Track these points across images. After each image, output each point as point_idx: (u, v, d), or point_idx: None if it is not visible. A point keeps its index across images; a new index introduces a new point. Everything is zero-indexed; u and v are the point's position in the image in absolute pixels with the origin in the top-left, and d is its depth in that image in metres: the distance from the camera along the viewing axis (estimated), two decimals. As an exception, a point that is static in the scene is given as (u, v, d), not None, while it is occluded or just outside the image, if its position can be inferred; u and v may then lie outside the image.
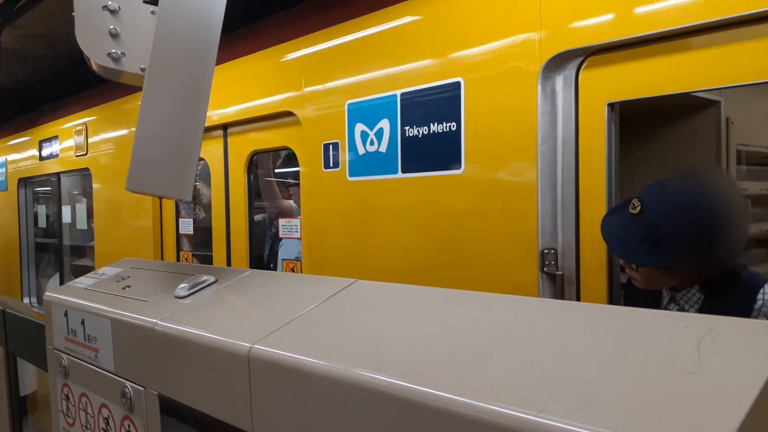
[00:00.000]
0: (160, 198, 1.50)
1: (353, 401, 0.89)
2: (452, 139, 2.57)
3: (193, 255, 4.43)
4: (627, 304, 2.02)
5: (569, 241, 2.30)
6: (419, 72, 2.69)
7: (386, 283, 1.26)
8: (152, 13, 1.61)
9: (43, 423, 4.24)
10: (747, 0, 1.85)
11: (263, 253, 4.19)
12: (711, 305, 1.71)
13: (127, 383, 1.39)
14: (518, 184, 2.37)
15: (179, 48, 1.52)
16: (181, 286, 1.44)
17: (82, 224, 6.05)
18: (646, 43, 2.10)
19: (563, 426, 0.67)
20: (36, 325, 2.21)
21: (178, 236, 4.43)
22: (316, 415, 0.95)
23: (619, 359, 0.78)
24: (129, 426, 1.41)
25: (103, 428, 1.52)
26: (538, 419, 0.69)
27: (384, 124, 2.81)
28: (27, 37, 5.79)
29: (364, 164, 2.91)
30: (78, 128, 5.61)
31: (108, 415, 1.49)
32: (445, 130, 2.59)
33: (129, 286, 1.61)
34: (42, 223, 7.06)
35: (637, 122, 2.86)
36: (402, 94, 2.75)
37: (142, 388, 1.35)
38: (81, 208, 6.07)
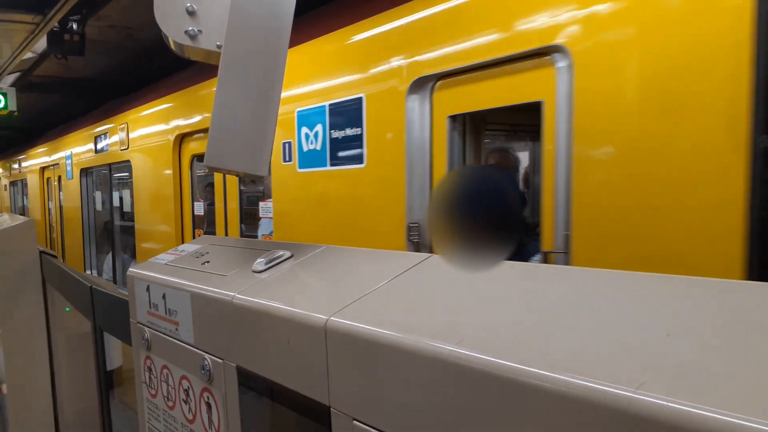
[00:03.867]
0: (237, 175, 1.53)
1: (433, 375, 0.86)
2: (359, 141, 3.34)
3: (204, 231, 5.51)
4: None
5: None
6: (338, 88, 3.51)
7: (464, 258, 1.22)
8: (227, -11, 1.62)
9: (128, 397, 4.45)
10: (521, 42, 2.49)
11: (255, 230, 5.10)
12: None
13: (206, 355, 1.42)
14: (394, 174, 3.10)
15: (254, 23, 1.52)
16: (258, 261, 1.45)
17: (127, 207, 7.29)
18: (472, 71, 2.76)
19: (666, 404, 0.62)
20: (120, 300, 2.31)
21: (194, 217, 5.48)
22: (393, 388, 0.93)
23: (725, 334, 0.72)
24: (208, 397, 1.44)
25: (183, 399, 1.56)
26: (636, 396, 0.64)
27: (319, 128, 3.62)
28: (110, 28, 6.04)
29: (307, 159, 3.74)
30: (121, 126, 6.62)
31: (188, 387, 1.53)
32: (355, 133, 3.35)
33: (208, 262, 1.64)
34: (99, 206, 8.37)
35: (489, 125, 3.59)
36: (329, 105, 3.54)
37: (220, 361, 1.37)
38: (126, 193, 7.22)
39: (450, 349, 0.84)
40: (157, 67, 6.28)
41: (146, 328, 1.73)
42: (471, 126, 3.06)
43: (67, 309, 4.02)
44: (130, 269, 1.86)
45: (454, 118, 2.88)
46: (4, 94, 7.78)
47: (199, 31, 1.61)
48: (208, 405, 1.44)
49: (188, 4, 1.60)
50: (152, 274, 1.71)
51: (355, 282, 1.22)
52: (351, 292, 1.15)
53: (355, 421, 0.99)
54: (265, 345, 1.23)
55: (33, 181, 11.46)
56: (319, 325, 1.06)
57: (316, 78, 3.67)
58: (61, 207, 9.68)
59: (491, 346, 0.82)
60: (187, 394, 1.53)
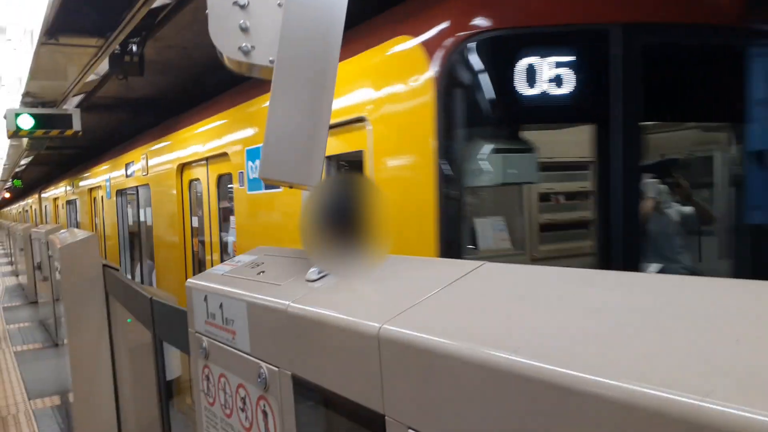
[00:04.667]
0: (290, 186, 1.60)
1: (489, 383, 0.85)
2: None
3: (199, 240, 6.86)
4: None
5: None
6: (259, 135, 4.77)
7: (517, 265, 1.20)
8: (279, 5, 1.66)
9: (185, 407, 4.54)
10: (353, 111, 3.53)
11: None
12: None
13: (263, 364, 1.44)
14: (297, 195, 3.95)
15: (305, 37, 1.55)
16: (312, 270, 1.47)
17: (149, 222, 8.84)
18: (333, 127, 3.18)
19: (735, 413, 0.59)
20: (179, 311, 2.37)
21: (192, 228, 6.83)
22: (448, 396, 0.92)
23: (799, 342, 0.68)
24: (264, 405, 1.46)
25: (240, 408, 1.59)
26: (704, 404, 0.62)
27: (258, 162, 4.57)
28: (167, 48, 6.25)
29: (252, 184, 5.01)
30: (142, 155, 8.31)
31: (245, 395, 1.55)
32: None
33: (263, 272, 1.67)
34: (130, 221, 10.29)
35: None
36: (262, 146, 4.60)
37: (276, 369, 1.39)
38: (149, 210, 8.76)
39: (506, 357, 0.83)
40: (213, 84, 6.47)
41: (204, 338, 1.77)
42: (337, 165, 4.20)
43: (129, 320, 4.14)
44: (188, 280, 1.91)
45: (328, 158, 3.98)
46: (34, 116, 8.21)
47: (253, 47, 1.65)
48: (265, 413, 1.46)
49: (241, 21, 1.65)
50: (210, 285, 1.75)
51: (407, 290, 1.21)
52: (404, 299, 1.14)
53: (410, 430, 0.99)
54: (319, 353, 1.24)
55: (83, 200, 13.85)
56: (372, 333, 1.06)
57: (255, 124, 5.05)
58: (104, 222, 11.97)
59: (549, 353, 0.80)
60: (244, 402, 1.55)
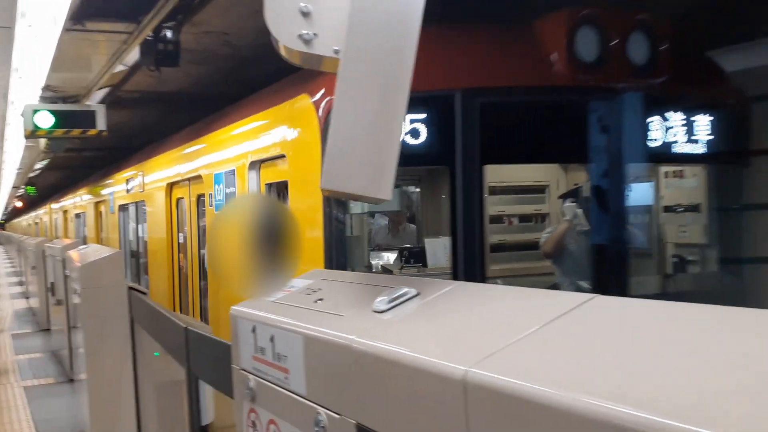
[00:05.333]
0: (356, 200, 1.69)
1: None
2: (234, 194, 6.26)
3: (183, 253, 8.81)
4: None
5: None
6: (227, 162, 6.65)
7: (635, 300, 1.19)
8: (347, -15, 1.70)
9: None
10: (275, 150, 5.72)
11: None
12: None
13: (321, 409, 1.47)
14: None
15: (377, 24, 1.59)
16: (380, 299, 1.49)
17: (146, 236, 11.24)
18: (269, 160, 5.83)
19: None
20: (220, 344, 2.43)
21: (178, 244, 8.93)
22: (551, 458, 0.92)
23: None
24: (322, 460, 1.48)
25: (292, 461, 1.62)
26: None
27: (222, 186, 6.65)
28: (205, 34, 6.46)
29: (218, 204, 6.77)
30: (139, 173, 10.84)
31: (299, 446, 1.58)
32: (232, 191, 6.29)
33: (321, 299, 1.71)
34: (130, 235, 12.88)
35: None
36: (225, 172, 6.55)
37: (337, 416, 1.41)
38: (145, 225, 11.15)
39: (628, 412, 0.82)
40: (257, 77, 6.65)
41: (251, 376, 1.82)
42: (278, 189, 5.86)
43: (156, 354, 4.26)
44: (233, 308, 1.97)
45: (269, 185, 5.88)
46: (54, 113, 8.66)
47: (315, 34, 1.70)
48: (322, 469, 1.48)
49: (302, 5, 1.70)
50: (259, 313, 1.80)
51: (499, 326, 1.22)
52: (495, 338, 1.15)
53: (502, 496, 0.99)
54: (389, 398, 1.26)
55: (89, 214, 16.78)
56: (457, 378, 1.07)
57: (217, 151, 6.98)
58: (108, 236, 14.64)
59: (682, 409, 0.80)
60: (298, 455, 1.58)
